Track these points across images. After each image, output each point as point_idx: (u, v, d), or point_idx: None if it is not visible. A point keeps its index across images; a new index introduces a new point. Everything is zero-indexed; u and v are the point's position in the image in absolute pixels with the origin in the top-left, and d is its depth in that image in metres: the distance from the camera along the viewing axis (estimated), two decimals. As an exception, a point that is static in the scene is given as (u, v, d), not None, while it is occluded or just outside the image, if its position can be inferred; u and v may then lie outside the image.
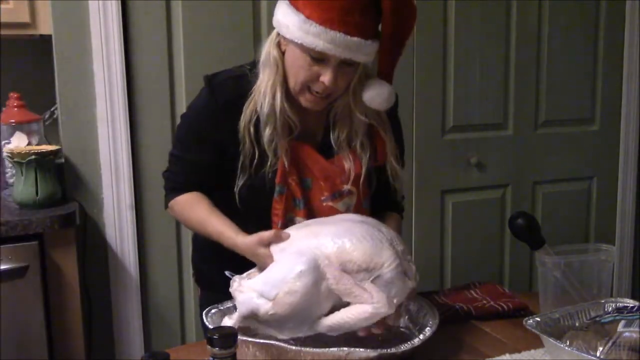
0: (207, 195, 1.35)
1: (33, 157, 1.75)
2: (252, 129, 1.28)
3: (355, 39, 1.18)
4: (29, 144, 1.88)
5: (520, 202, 2.55)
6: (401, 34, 1.25)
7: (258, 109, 1.28)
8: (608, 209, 2.72)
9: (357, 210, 1.34)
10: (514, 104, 2.49)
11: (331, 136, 1.33)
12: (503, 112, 2.49)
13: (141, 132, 2.02)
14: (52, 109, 2.02)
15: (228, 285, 1.20)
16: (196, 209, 1.33)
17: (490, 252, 2.54)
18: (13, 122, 1.90)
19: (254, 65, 1.32)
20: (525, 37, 2.47)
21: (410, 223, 2.38)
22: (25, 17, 1.86)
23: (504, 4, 2.42)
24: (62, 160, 1.93)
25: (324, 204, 1.32)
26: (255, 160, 1.28)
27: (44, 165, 1.78)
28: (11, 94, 1.93)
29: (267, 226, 1.27)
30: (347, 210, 1.33)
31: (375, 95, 1.28)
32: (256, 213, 1.30)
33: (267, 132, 1.27)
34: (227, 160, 1.30)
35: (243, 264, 1.23)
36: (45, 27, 1.90)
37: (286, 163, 1.28)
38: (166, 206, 1.42)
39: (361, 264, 1.08)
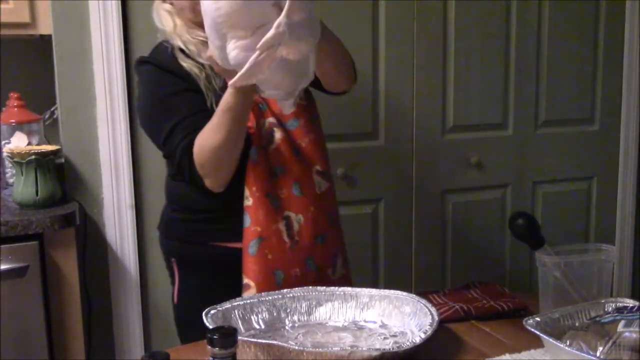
0: None
1: (33, 157, 1.75)
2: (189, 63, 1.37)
3: None
4: (29, 144, 1.88)
5: (520, 202, 2.55)
6: None
7: (180, 44, 1.38)
8: (608, 209, 2.72)
9: (308, 99, 1.48)
10: (514, 104, 2.49)
11: None
12: (503, 112, 2.49)
13: (141, 132, 2.02)
14: (52, 109, 2.02)
15: (200, 240, 1.40)
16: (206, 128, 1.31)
17: (490, 252, 2.54)
18: (13, 122, 1.90)
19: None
20: (525, 37, 2.47)
21: (410, 223, 2.39)
22: (25, 17, 1.86)
23: (504, 4, 2.42)
24: (62, 160, 1.94)
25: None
26: (208, 82, 1.36)
27: (44, 165, 1.78)
28: (11, 94, 1.93)
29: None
30: (300, 100, 1.42)
31: None
32: None
33: (199, 60, 1.36)
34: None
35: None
36: (45, 27, 1.90)
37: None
38: (189, 166, 1.33)
39: None
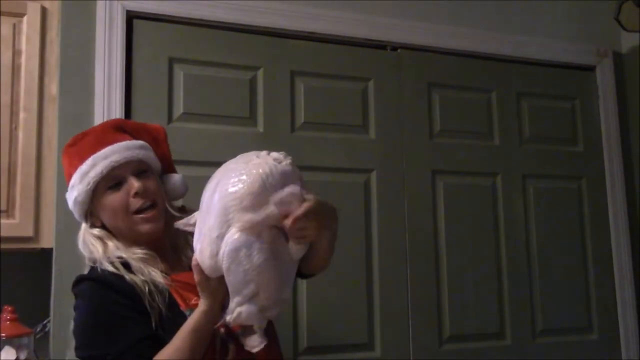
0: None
1: (19, 374, 1.70)
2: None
3: (122, 143, 1.41)
4: (17, 358, 1.84)
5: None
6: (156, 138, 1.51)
7: (109, 267, 1.35)
8: None
9: None
10: (510, 313, 2.49)
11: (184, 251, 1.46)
12: (500, 322, 2.47)
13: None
14: (44, 322, 2.01)
15: None
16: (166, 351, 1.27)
17: None
18: (4, 336, 1.87)
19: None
20: (515, 248, 2.54)
21: None
22: (29, 232, 1.91)
23: (492, 215, 2.53)
24: (50, 375, 1.88)
25: None
26: (151, 299, 1.31)
27: (29, 382, 1.72)
28: (5, 307, 1.93)
29: None
30: None
31: (175, 183, 1.51)
32: None
33: (141, 277, 1.33)
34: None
35: None
36: (47, 240, 1.94)
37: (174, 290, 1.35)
38: None
39: None
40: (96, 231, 1.43)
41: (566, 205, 2.66)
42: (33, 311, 2.02)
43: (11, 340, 1.87)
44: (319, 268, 1.45)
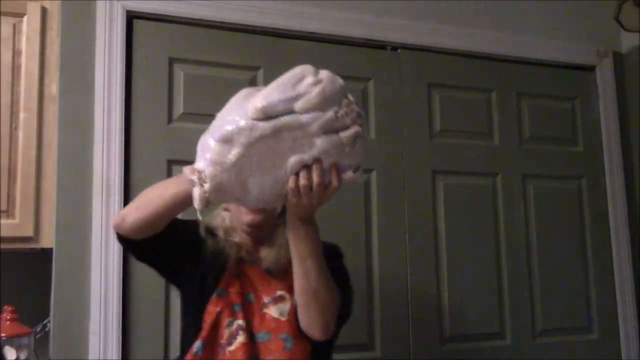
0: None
1: (20, 373, 1.70)
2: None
3: None
4: (17, 358, 1.83)
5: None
6: None
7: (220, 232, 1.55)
8: None
9: (291, 316, 1.45)
10: (510, 313, 2.49)
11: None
12: (499, 322, 2.47)
13: (131, 350, 1.99)
14: (44, 322, 2.00)
15: None
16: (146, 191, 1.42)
17: None
18: (4, 336, 1.87)
19: None
20: (515, 247, 2.54)
21: None
22: (29, 232, 1.91)
23: (493, 217, 2.53)
24: (50, 375, 1.88)
25: (262, 310, 1.46)
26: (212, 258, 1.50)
27: (29, 382, 1.72)
28: (5, 307, 1.93)
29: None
30: (280, 316, 1.46)
31: None
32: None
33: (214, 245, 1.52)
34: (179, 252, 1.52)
35: None
36: (47, 240, 1.94)
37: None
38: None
39: None
40: (226, 213, 1.60)
41: (566, 205, 2.66)
42: (33, 311, 2.02)
43: (11, 340, 1.87)
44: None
